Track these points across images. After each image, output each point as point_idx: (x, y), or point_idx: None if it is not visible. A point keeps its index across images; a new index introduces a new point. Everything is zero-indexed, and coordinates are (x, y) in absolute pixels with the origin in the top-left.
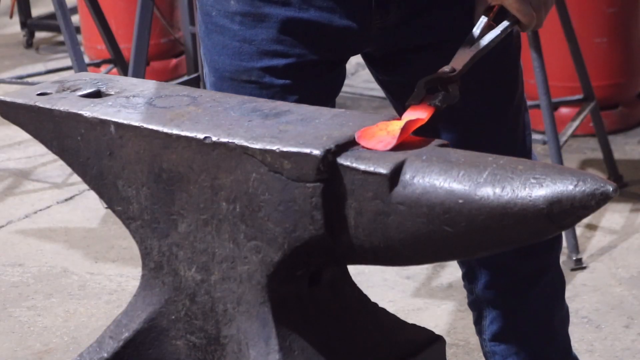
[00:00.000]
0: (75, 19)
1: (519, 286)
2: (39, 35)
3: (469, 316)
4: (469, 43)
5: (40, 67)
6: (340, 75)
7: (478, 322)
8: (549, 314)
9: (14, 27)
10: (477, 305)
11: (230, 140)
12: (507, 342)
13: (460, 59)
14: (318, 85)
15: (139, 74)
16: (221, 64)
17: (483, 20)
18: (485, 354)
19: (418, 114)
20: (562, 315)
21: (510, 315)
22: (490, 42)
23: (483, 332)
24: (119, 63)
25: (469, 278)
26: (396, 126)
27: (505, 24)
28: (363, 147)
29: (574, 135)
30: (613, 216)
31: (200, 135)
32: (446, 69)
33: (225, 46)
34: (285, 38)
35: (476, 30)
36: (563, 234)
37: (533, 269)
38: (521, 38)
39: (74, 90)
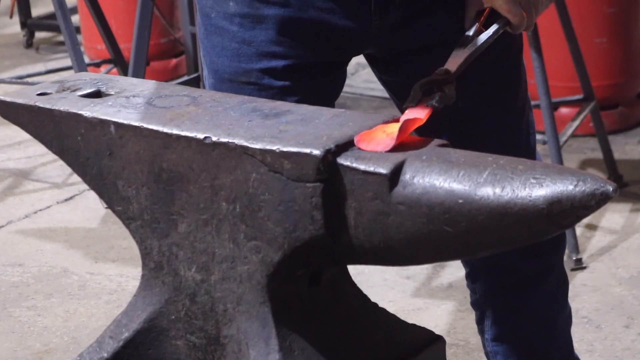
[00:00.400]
0: (75, 19)
1: (522, 287)
2: (39, 35)
3: (469, 316)
4: (462, 45)
5: (40, 67)
6: (341, 78)
7: (480, 322)
8: (552, 315)
9: (14, 27)
10: (479, 305)
11: (230, 140)
12: (509, 343)
13: (455, 61)
14: (317, 87)
15: (139, 74)
16: (220, 66)
17: (475, 22)
18: (487, 354)
19: (416, 115)
20: (564, 315)
21: (512, 316)
22: (484, 42)
23: (485, 332)
24: (119, 63)
25: (472, 278)
26: (394, 128)
27: (496, 25)
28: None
29: (574, 135)
30: (613, 216)
31: (200, 135)
32: (441, 70)
33: (224, 48)
34: (284, 39)
35: (469, 32)
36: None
37: (537, 269)
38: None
39: (74, 90)
